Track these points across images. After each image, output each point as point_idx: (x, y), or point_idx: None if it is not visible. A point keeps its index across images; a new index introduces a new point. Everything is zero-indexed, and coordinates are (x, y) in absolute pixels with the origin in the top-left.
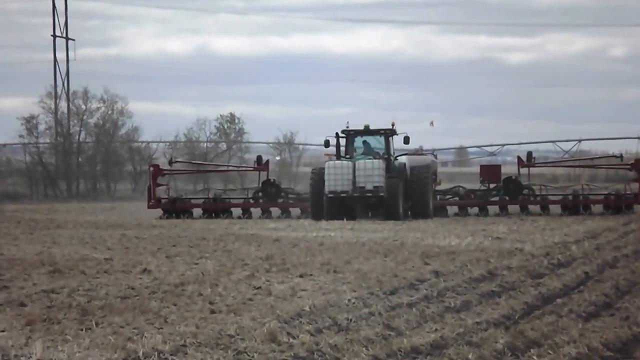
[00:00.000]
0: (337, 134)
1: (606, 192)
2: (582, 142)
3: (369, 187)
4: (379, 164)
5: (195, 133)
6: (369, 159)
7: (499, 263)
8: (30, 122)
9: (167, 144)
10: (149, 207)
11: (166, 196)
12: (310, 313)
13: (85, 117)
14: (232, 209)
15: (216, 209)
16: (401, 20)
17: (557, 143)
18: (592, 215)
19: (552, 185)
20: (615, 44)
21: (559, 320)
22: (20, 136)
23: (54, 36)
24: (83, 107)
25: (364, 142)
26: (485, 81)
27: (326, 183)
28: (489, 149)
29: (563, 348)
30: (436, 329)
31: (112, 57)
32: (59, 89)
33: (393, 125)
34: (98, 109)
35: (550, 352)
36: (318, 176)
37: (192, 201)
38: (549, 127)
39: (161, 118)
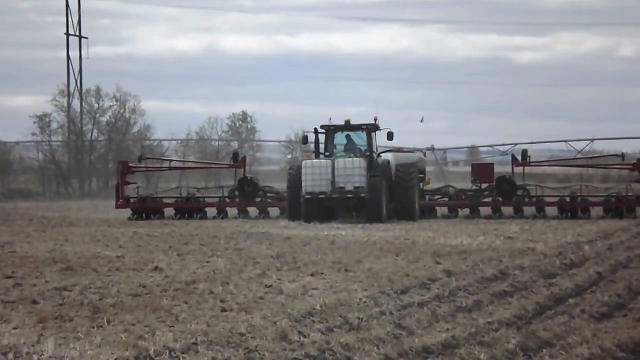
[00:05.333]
0: (315, 129)
1: (606, 194)
2: (596, 141)
3: (350, 187)
4: (360, 162)
5: (208, 132)
6: (350, 157)
7: (511, 263)
8: (43, 121)
9: (179, 142)
10: (117, 207)
11: (136, 195)
12: (321, 312)
13: (97, 115)
14: (207, 209)
15: (190, 208)
16: (411, 19)
17: (570, 143)
18: (592, 220)
19: (549, 186)
20: (625, 44)
21: (572, 320)
22: (33, 134)
23: (67, 34)
24: (96, 105)
25: (348, 137)
26: (495, 81)
27: (303, 184)
28: (501, 148)
29: (576, 349)
30: (448, 329)
31: (124, 55)
32: (71, 87)
33: (376, 120)
34: (110, 107)
35: (563, 352)
36: (295, 175)
37: (164, 200)
38: (562, 126)
39: (172, 116)
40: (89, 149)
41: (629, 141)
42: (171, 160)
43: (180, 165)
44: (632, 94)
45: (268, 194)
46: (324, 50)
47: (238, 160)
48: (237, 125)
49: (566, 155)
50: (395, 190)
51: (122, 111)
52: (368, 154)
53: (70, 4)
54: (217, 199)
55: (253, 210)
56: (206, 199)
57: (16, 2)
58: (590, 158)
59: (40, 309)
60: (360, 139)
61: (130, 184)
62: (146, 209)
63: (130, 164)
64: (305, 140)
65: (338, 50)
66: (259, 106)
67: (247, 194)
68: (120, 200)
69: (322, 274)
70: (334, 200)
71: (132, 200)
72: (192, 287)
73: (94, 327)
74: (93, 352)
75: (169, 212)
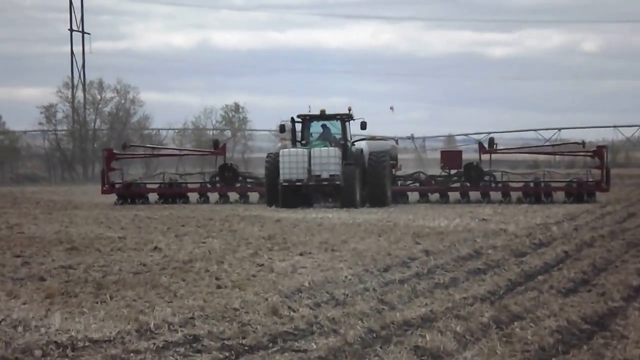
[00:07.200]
0: (292, 118)
1: (568, 179)
2: (563, 130)
3: (325, 175)
4: (335, 151)
5: (202, 121)
6: (325, 146)
7: (485, 243)
8: (49, 111)
9: (176, 131)
10: (103, 192)
11: (120, 181)
12: (309, 288)
13: (100, 106)
14: (189, 194)
15: (172, 193)
16: (391, 16)
17: (539, 132)
18: (554, 203)
19: (514, 172)
20: (589, 39)
21: (540, 295)
22: (40, 124)
23: (71, 30)
24: (98, 96)
25: (323, 126)
26: (470, 74)
27: (281, 171)
28: (475, 137)
29: (544, 321)
30: (426, 304)
31: (123, 50)
32: (75, 80)
33: (350, 109)
34: (112, 98)
35: (532, 325)
36: (273, 162)
37: (148, 186)
38: (532, 116)
39: (169, 107)
40: (92, 137)
41: (593, 130)
42: (154, 148)
43: (163, 152)
44: (595, 86)
45: (247, 179)
46: (310, 45)
47: (218, 148)
48: (230, 115)
49: (536, 143)
50: (367, 177)
51: (122, 102)
52: (342, 142)
53: (72, 1)
54: (199, 185)
55: (233, 195)
56: (188, 185)
57: None
58: (553, 145)
59: (47, 285)
60: (335, 127)
61: (114, 169)
62: (131, 194)
63: (115, 151)
64: (282, 128)
65: (323, 45)
66: (250, 97)
67: (227, 179)
68: (106, 186)
69: (310, 253)
70: (310, 187)
71: (117, 186)
72: (189, 265)
73: (97, 302)
74: (97, 325)
75: (153, 197)
